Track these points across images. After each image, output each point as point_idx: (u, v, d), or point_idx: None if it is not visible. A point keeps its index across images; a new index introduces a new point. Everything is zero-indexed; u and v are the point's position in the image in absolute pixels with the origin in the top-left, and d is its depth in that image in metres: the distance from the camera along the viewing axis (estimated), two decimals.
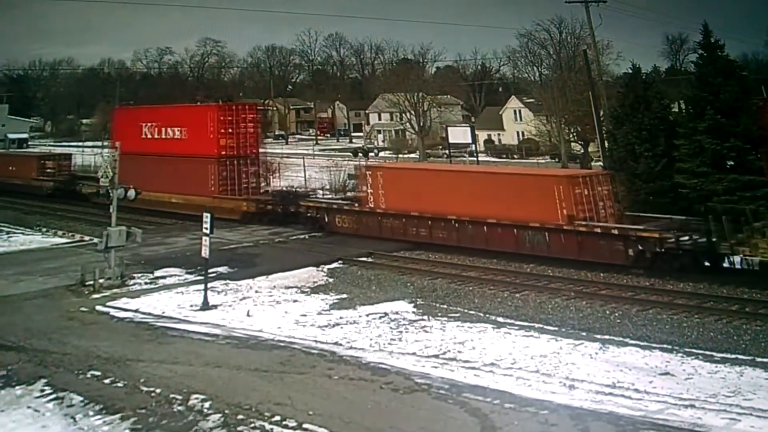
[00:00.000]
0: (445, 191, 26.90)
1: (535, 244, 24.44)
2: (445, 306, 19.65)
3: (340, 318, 18.38)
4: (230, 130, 33.96)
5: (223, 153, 33.78)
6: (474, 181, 27.90)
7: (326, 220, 30.36)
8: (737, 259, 21.99)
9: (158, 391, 13.12)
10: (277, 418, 11.77)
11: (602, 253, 22.97)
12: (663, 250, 22.00)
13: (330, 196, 35.02)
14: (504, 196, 25.16)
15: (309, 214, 31.06)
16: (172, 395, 12.88)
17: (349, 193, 34.74)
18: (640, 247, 22.37)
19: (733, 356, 15.03)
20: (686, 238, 22.07)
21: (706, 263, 22.11)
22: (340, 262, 25.21)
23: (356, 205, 30.01)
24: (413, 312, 18.89)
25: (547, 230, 24.02)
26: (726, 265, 22.37)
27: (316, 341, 16.34)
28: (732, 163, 27.10)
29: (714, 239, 21.46)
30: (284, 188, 35.96)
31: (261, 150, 36.49)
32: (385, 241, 27.84)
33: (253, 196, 33.73)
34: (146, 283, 22.38)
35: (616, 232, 22.97)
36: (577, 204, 23.78)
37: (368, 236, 28.40)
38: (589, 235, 23.27)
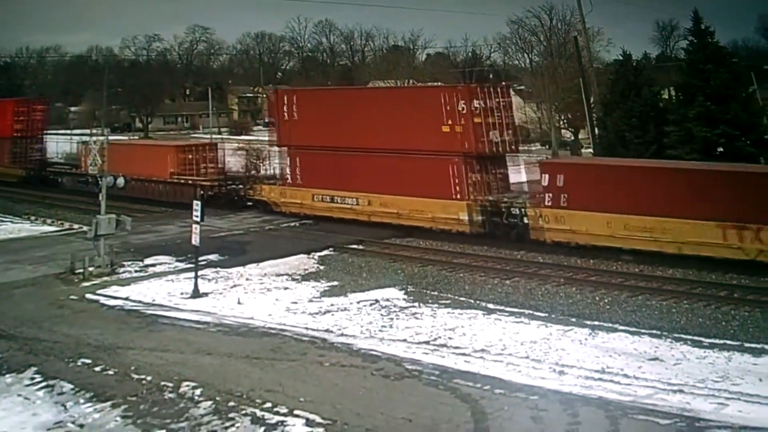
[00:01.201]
0: (132, 159, 35.47)
1: (157, 192, 35.81)
2: (436, 293, 19.71)
3: (331, 305, 18.41)
4: (22, 118, 45.18)
5: (15, 134, 45.08)
6: (141, 150, 41.27)
7: (59, 180, 42.61)
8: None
9: (149, 378, 13.11)
10: (268, 404, 11.79)
11: (186, 195, 32.45)
12: (213, 193, 33.24)
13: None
14: (148, 160, 36.53)
15: (51, 177, 43.23)
16: (163, 383, 12.87)
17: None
18: (202, 192, 32.40)
19: (722, 342, 15.16)
20: (230, 186, 33.71)
21: (247, 203, 32.57)
22: (330, 249, 25.23)
23: (75, 169, 41.02)
24: (404, 299, 18.94)
25: (161, 182, 35.61)
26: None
27: (307, 328, 16.36)
28: (722, 149, 27.24)
29: (239, 185, 33.34)
30: (45, 159, 46.95)
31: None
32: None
33: (25, 165, 44.85)
34: (136, 271, 22.30)
35: (190, 182, 34.34)
36: (179, 165, 35.43)
37: (81, 191, 37.01)
38: (178, 184, 34.80)
